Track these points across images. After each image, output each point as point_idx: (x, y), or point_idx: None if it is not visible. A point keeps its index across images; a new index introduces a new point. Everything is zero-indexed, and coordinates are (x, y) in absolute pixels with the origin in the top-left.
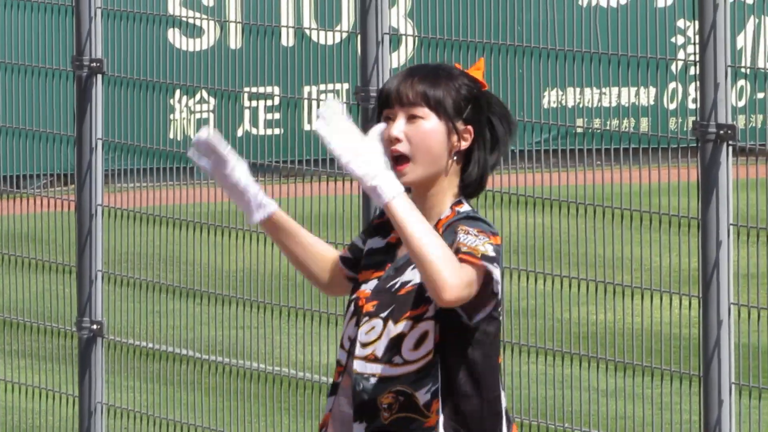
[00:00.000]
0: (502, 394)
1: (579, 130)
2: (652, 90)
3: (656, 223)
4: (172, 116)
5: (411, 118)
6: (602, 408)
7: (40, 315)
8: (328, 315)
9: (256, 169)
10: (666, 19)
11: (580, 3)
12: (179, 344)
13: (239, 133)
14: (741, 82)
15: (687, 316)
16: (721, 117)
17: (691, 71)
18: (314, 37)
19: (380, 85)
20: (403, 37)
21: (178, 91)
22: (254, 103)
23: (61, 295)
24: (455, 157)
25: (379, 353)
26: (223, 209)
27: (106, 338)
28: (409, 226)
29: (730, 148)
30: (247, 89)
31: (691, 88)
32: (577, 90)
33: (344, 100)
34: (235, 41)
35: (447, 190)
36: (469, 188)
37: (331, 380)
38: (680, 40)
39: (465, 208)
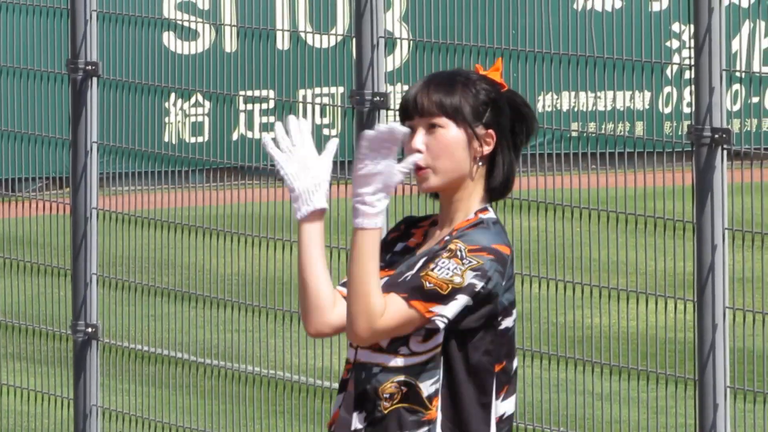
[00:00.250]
0: (495, 402)
1: (574, 133)
2: (647, 94)
3: (651, 227)
4: (167, 119)
5: (430, 128)
6: (597, 412)
7: (35, 318)
8: None
9: (250, 173)
10: (661, 23)
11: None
12: (174, 347)
13: (234, 136)
14: (736, 86)
15: (682, 320)
16: (716, 121)
17: (686, 75)
18: (309, 41)
19: (375, 89)
20: (398, 41)
21: (173, 95)
22: (249, 107)
23: (56, 298)
24: (480, 162)
25: (385, 343)
26: (218, 213)
27: (101, 341)
28: (369, 261)
29: (725, 152)
30: (242, 92)
31: (686, 92)
32: (572, 94)
33: (339, 103)
34: (230, 44)
35: (473, 194)
36: (495, 192)
37: (326, 383)
38: (675, 44)
39: (488, 215)
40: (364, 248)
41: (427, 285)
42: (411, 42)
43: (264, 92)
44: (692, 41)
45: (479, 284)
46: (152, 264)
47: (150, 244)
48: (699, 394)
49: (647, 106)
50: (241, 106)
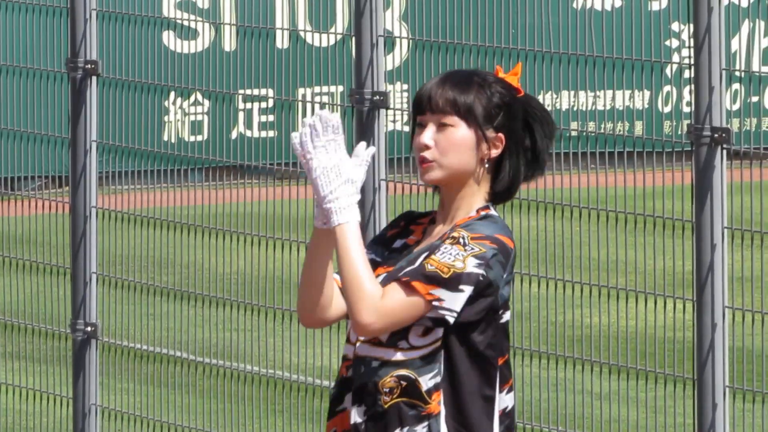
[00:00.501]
0: (499, 395)
1: (573, 133)
2: (647, 93)
3: (650, 226)
4: (166, 118)
5: (441, 126)
6: (596, 411)
7: (34, 317)
8: None
9: (249, 171)
10: (660, 23)
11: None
12: (173, 346)
13: (233, 135)
14: (735, 86)
15: (681, 320)
16: (715, 120)
17: (686, 74)
18: (308, 40)
19: (374, 88)
20: (398, 40)
21: (172, 93)
22: (248, 105)
23: (56, 297)
24: (486, 165)
25: (384, 337)
26: (218, 211)
27: (100, 340)
28: (350, 253)
29: (725, 152)
30: (241, 91)
31: (686, 92)
32: (572, 93)
33: (338, 102)
34: (229, 43)
35: (476, 195)
36: (499, 196)
37: (325, 382)
38: (674, 43)
39: (490, 213)
40: (345, 243)
41: (429, 267)
42: (410, 41)
43: (263, 91)
44: (692, 40)
45: (480, 272)
46: (151, 263)
47: (149, 242)
48: (698, 393)
49: (647, 106)
50: (241, 105)
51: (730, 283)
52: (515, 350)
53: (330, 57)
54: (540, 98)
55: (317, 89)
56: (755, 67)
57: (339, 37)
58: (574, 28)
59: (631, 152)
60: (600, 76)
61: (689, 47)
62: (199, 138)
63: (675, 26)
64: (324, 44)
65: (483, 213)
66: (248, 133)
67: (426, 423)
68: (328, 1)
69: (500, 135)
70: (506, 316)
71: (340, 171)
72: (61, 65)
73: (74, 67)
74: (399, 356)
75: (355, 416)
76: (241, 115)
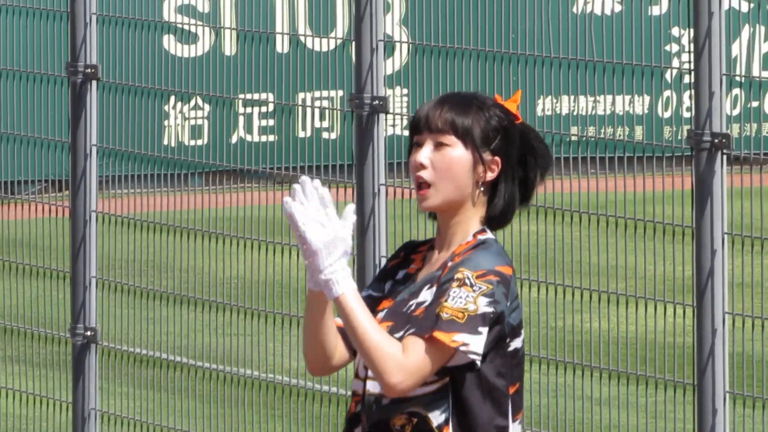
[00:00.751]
0: (512, 425)
1: (573, 138)
2: (647, 98)
3: (650, 232)
4: (166, 122)
5: (438, 146)
6: (596, 417)
7: (33, 321)
8: None
9: (249, 176)
10: (661, 27)
11: (574, 10)
12: (173, 351)
13: (233, 139)
14: (735, 91)
15: (681, 325)
16: (715, 125)
17: (686, 79)
18: (308, 44)
19: (374, 92)
20: (398, 45)
21: (172, 98)
22: (248, 110)
23: (55, 301)
24: (482, 188)
25: None
26: (217, 216)
27: (99, 344)
28: (358, 321)
29: (725, 157)
30: (241, 96)
31: (686, 97)
32: (571, 98)
33: (338, 107)
34: (229, 48)
35: (471, 220)
36: (494, 221)
37: (324, 387)
38: (674, 48)
39: (486, 236)
40: (351, 312)
41: (444, 315)
42: (410, 45)
43: (263, 95)
44: (692, 45)
45: (491, 310)
46: (151, 267)
47: (149, 247)
48: (698, 399)
49: (647, 111)
50: (241, 110)
51: (730, 288)
52: None
53: (330, 61)
54: (540, 103)
55: (317, 93)
56: (755, 72)
57: (339, 41)
58: (574, 33)
59: (630, 157)
60: (600, 80)
61: (689, 52)
62: (199, 142)
63: (675, 31)
64: (324, 49)
65: (480, 237)
66: (248, 138)
67: None
68: (328, 5)
69: (497, 158)
70: (515, 344)
71: (336, 245)
72: (61, 69)
73: (74, 71)
74: (409, 393)
75: None
76: (241, 119)
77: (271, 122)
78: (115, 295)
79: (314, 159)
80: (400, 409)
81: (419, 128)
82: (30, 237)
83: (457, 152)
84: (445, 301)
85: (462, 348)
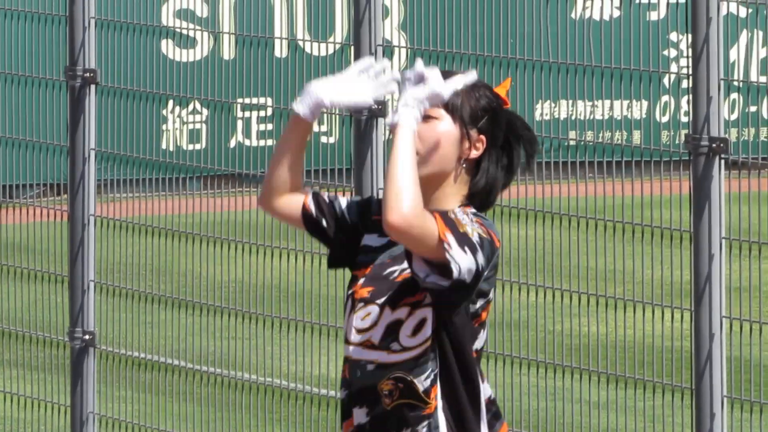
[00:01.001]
0: (482, 385)
1: (571, 142)
2: (645, 103)
3: (648, 236)
4: (164, 127)
5: (427, 118)
6: (594, 420)
7: (32, 324)
8: (320, 326)
9: (248, 180)
10: (659, 33)
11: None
12: (171, 354)
13: (232, 143)
14: (733, 96)
15: (679, 329)
16: (713, 130)
17: (684, 84)
18: (307, 49)
19: None
20: (396, 49)
21: (171, 102)
22: (247, 114)
23: (54, 305)
24: (464, 165)
25: (376, 340)
26: (216, 220)
27: (98, 348)
28: (402, 151)
29: (723, 162)
30: (240, 100)
31: (684, 101)
32: (570, 102)
33: (336, 111)
34: (228, 52)
35: (453, 196)
36: (476, 199)
37: (323, 391)
38: (673, 53)
39: (471, 209)
40: (403, 142)
41: (451, 215)
42: (409, 50)
43: (262, 100)
44: (690, 50)
45: (479, 253)
46: (149, 271)
47: (147, 251)
48: (696, 403)
49: (645, 115)
50: (239, 114)
51: (727, 292)
52: (513, 359)
53: (329, 66)
54: (538, 107)
55: None
56: (753, 77)
57: (338, 46)
58: (573, 38)
59: (629, 162)
60: (598, 85)
61: (687, 57)
62: (198, 146)
63: (673, 36)
64: (323, 53)
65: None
66: (247, 142)
67: (426, 422)
68: (327, 10)
69: (482, 137)
70: (478, 305)
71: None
72: (59, 74)
73: (73, 75)
74: (392, 358)
75: (359, 417)
76: (239, 123)
77: (270, 126)
78: (113, 299)
79: (313, 163)
80: (385, 374)
81: None
82: (28, 241)
83: (445, 125)
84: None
85: (446, 245)
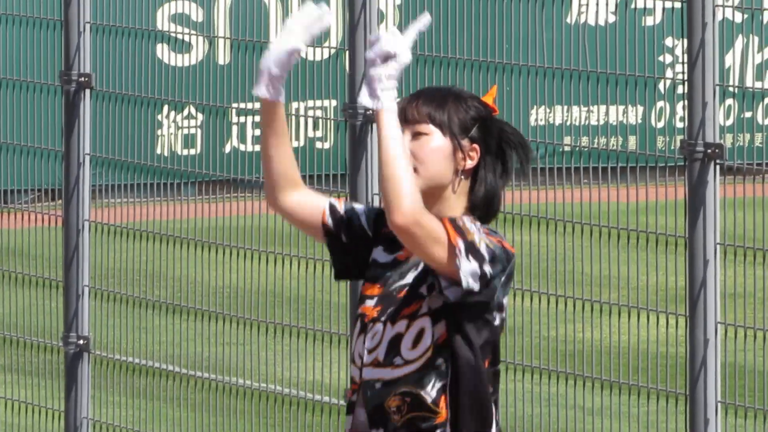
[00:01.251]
0: (493, 397)
1: (566, 148)
2: (640, 108)
3: (643, 242)
4: (159, 131)
5: (416, 135)
6: (588, 426)
7: (26, 330)
8: (315, 332)
9: (243, 185)
10: (654, 38)
11: (567, 21)
12: (166, 360)
13: (227, 148)
14: (729, 101)
15: (674, 335)
16: (708, 136)
17: (679, 90)
18: (302, 54)
19: None
20: None
21: (166, 107)
22: (242, 119)
23: (48, 310)
24: (462, 176)
25: (381, 357)
26: (211, 225)
27: (92, 353)
28: (392, 139)
29: (718, 167)
30: (235, 105)
31: (679, 107)
32: (565, 108)
33: (332, 116)
34: (223, 56)
35: (454, 209)
36: (477, 209)
37: (317, 397)
38: (668, 58)
39: (479, 223)
40: (395, 131)
41: (459, 223)
42: None
43: (257, 105)
44: (685, 56)
45: (487, 262)
46: (144, 276)
47: (142, 256)
48: (690, 409)
49: (640, 121)
50: (234, 119)
51: (722, 298)
52: (507, 365)
53: (323, 71)
54: (534, 113)
55: (310, 103)
56: (749, 82)
57: (333, 50)
58: (568, 43)
59: (624, 167)
60: (593, 91)
61: (683, 63)
62: (192, 152)
63: (669, 41)
64: (318, 58)
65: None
66: (242, 147)
67: (440, 431)
68: None
69: (475, 146)
70: (496, 320)
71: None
72: (54, 78)
73: (68, 80)
74: (396, 373)
75: None
76: (234, 128)
77: None
78: (107, 304)
79: (308, 168)
80: (392, 391)
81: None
82: (23, 246)
83: (435, 140)
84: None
85: (456, 251)
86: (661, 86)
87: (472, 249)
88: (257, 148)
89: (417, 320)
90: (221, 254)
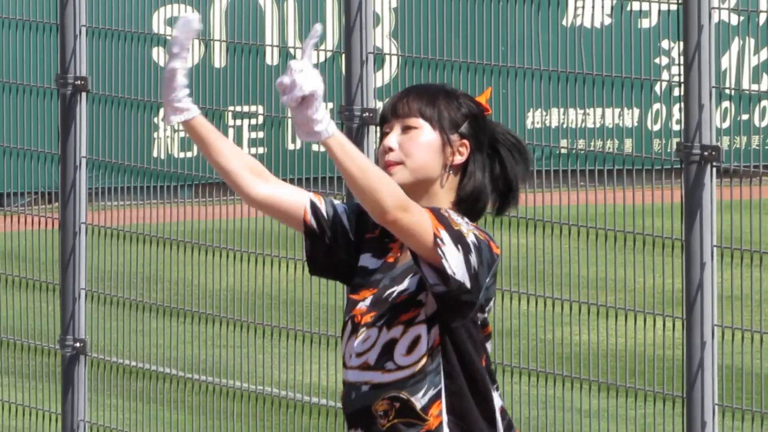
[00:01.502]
0: (495, 396)
1: (563, 150)
2: (636, 111)
3: (640, 244)
4: (155, 134)
5: (406, 129)
6: (585, 429)
7: (23, 332)
8: (311, 334)
9: None
10: (650, 40)
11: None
12: (162, 363)
13: None
14: (725, 103)
15: (670, 338)
16: (705, 138)
17: (676, 92)
18: (298, 56)
19: (364, 105)
20: (387, 57)
21: (161, 110)
22: (238, 122)
23: (45, 313)
24: (451, 171)
25: (372, 361)
26: (207, 228)
27: (89, 356)
28: (350, 158)
29: (714, 170)
30: (231, 108)
31: (675, 109)
32: (561, 110)
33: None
34: (219, 60)
35: (442, 203)
36: (464, 204)
37: (314, 399)
38: (664, 60)
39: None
40: (349, 147)
41: (443, 212)
42: (400, 58)
43: (253, 108)
44: (681, 58)
45: (474, 255)
46: (140, 279)
47: (138, 259)
48: (687, 411)
49: (636, 123)
50: (230, 122)
51: (719, 301)
52: (504, 367)
53: (320, 73)
54: (530, 115)
55: None
56: (745, 84)
57: (329, 53)
58: (564, 46)
59: (620, 170)
60: (590, 93)
61: (679, 65)
62: (189, 154)
63: (665, 44)
64: (314, 61)
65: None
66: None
67: None
68: (318, 17)
69: (465, 141)
70: (482, 316)
71: (323, 95)
72: (50, 81)
73: (64, 83)
74: (386, 378)
75: None
76: (230, 131)
77: (261, 134)
78: (104, 307)
79: (304, 171)
80: (381, 394)
81: (387, 118)
82: (19, 249)
83: (425, 133)
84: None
85: (438, 240)
86: (657, 89)
87: (459, 238)
88: (253, 150)
89: (413, 327)
90: (218, 257)
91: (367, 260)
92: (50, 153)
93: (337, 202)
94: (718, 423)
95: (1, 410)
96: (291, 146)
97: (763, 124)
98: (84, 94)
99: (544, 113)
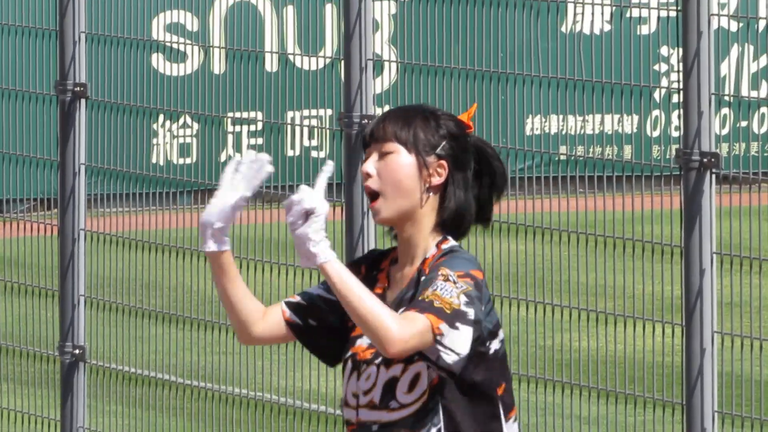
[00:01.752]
0: (506, 425)
1: (562, 157)
2: (635, 117)
3: (639, 251)
4: (154, 141)
5: (383, 155)
6: None
7: (22, 339)
8: None
9: None
10: (649, 47)
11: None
12: (161, 369)
13: (222, 157)
14: (724, 110)
15: (670, 344)
16: (704, 145)
17: (675, 99)
18: (297, 63)
19: (363, 111)
20: (386, 63)
21: (161, 116)
22: (237, 128)
23: (44, 320)
24: (430, 193)
25: (377, 399)
26: None
27: (88, 363)
28: (353, 284)
29: (714, 176)
30: (230, 114)
31: (674, 116)
32: (560, 117)
33: (327, 125)
34: (218, 66)
35: (426, 227)
36: (446, 224)
37: (313, 406)
38: (663, 67)
39: (450, 243)
40: (345, 276)
41: (436, 303)
42: (399, 64)
43: (252, 114)
44: (681, 65)
45: (470, 311)
46: (140, 285)
47: (138, 265)
48: (687, 418)
49: (635, 130)
50: (230, 128)
51: (718, 307)
52: None
53: (319, 80)
54: (529, 122)
55: (306, 112)
56: (744, 91)
57: (328, 60)
58: (563, 53)
59: (619, 176)
60: (589, 100)
61: (678, 72)
62: (188, 161)
63: (664, 50)
64: (313, 67)
65: (444, 247)
66: (237, 156)
67: None
68: (317, 24)
69: (442, 162)
70: (495, 345)
71: (325, 220)
72: (50, 88)
73: (63, 89)
74: (393, 417)
75: None
76: (230, 138)
77: (260, 141)
78: (103, 314)
79: (303, 178)
80: None
81: (367, 143)
82: (18, 255)
83: (401, 158)
84: (434, 291)
85: (438, 337)
86: (656, 95)
87: (457, 317)
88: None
89: (413, 365)
90: None
91: None
92: (49, 159)
93: (313, 286)
94: (718, 430)
95: (0, 417)
96: (290, 152)
97: (762, 131)
98: (83, 101)
99: (544, 120)
